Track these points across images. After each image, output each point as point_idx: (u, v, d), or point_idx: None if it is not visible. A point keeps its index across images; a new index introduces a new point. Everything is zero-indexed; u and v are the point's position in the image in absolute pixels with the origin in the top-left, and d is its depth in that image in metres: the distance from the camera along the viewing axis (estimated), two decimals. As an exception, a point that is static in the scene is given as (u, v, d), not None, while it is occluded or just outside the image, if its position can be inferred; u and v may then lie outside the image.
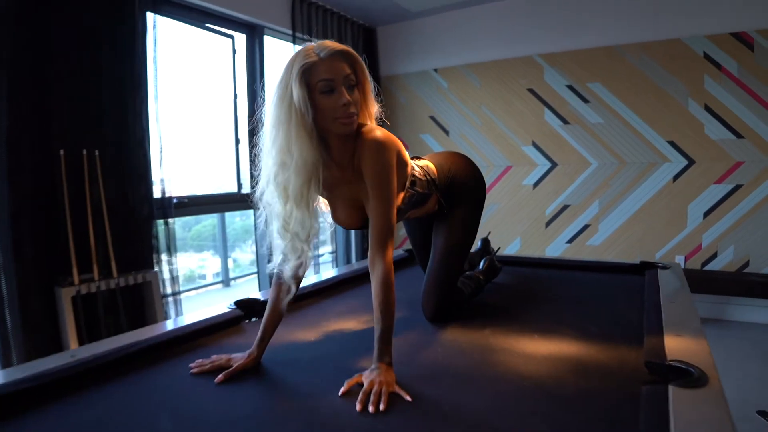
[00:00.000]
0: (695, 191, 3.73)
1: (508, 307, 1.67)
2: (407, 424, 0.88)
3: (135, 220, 2.77)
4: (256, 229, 4.03)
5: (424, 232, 1.70)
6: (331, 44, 1.10)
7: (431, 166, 1.50)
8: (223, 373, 1.08)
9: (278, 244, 1.14)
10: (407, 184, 1.38)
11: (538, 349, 1.24)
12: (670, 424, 0.79)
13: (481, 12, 4.38)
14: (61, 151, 2.39)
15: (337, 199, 1.27)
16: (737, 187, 3.59)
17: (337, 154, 1.19)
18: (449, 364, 1.16)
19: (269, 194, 1.12)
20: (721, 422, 0.80)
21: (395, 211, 1.18)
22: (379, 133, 1.18)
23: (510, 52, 4.30)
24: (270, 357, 1.20)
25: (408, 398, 0.96)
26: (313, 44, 1.11)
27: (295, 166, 1.07)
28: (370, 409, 0.91)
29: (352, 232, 4.62)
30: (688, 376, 0.98)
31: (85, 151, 2.49)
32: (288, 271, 1.14)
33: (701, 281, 3.54)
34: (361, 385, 1.00)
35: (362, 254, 4.69)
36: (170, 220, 2.96)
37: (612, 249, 4.06)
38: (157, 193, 2.90)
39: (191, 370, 1.12)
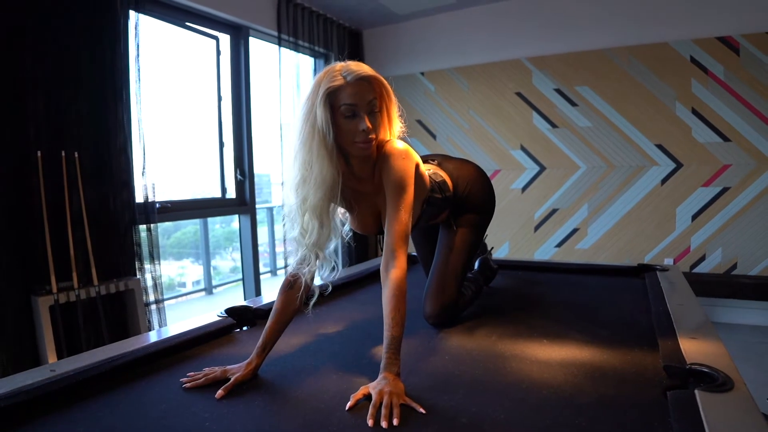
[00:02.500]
0: (683, 194, 3.75)
1: (511, 311, 1.63)
2: (424, 439, 0.82)
3: (116, 225, 2.65)
4: (240, 235, 3.96)
5: (431, 236, 1.70)
6: (358, 69, 1.12)
7: (448, 182, 1.53)
8: (223, 387, 1.01)
9: (296, 250, 1.20)
10: (423, 204, 1.42)
11: (550, 356, 1.19)
12: (705, 430, 0.77)
13: (468, 15, 4.36)
14: (38, 153, 2.27)
15: (357, 209, 1.32)
16: (725, 190, 3.62)
17: (358, 169, 1.26)
18: (460, 373, 1.10)
19: (289, 205, 1.19)
20: (757, 426, 0.78)
21: (411, 219, 1.21)
22: (400, 144, 1.25)
23: (498, 56, 4.28)
24: (268, 368, 1.13)
25: (421, 410, 0.90)
26: (341, 64, 1.14)
27: (314, 182, 1.13)
28: (383, 423, 0.84)
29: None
30: (713, 380, 0.95)
31: (63, 153, 2.37)
32: (306, 275, 1.19)
33: (690, 284, 3.53)
34: (369, 397, 0.93)
35: (358, 258, 4.60)
36: (153, 226, 2.85)
37: (601, 252, 4.05)
38: (139, 198, 2.79)
39: (183, 385, 1.04)
